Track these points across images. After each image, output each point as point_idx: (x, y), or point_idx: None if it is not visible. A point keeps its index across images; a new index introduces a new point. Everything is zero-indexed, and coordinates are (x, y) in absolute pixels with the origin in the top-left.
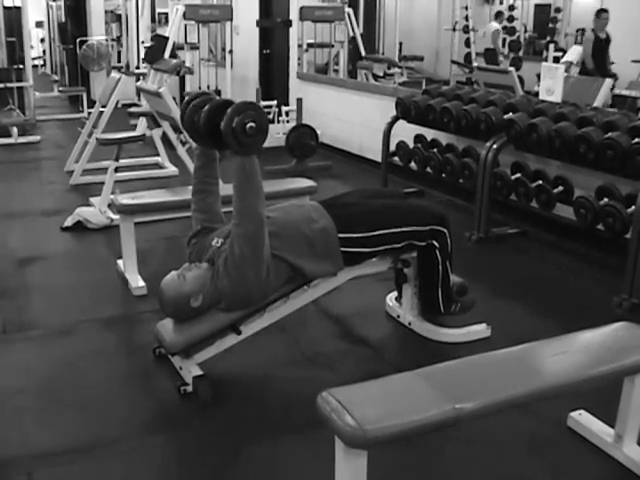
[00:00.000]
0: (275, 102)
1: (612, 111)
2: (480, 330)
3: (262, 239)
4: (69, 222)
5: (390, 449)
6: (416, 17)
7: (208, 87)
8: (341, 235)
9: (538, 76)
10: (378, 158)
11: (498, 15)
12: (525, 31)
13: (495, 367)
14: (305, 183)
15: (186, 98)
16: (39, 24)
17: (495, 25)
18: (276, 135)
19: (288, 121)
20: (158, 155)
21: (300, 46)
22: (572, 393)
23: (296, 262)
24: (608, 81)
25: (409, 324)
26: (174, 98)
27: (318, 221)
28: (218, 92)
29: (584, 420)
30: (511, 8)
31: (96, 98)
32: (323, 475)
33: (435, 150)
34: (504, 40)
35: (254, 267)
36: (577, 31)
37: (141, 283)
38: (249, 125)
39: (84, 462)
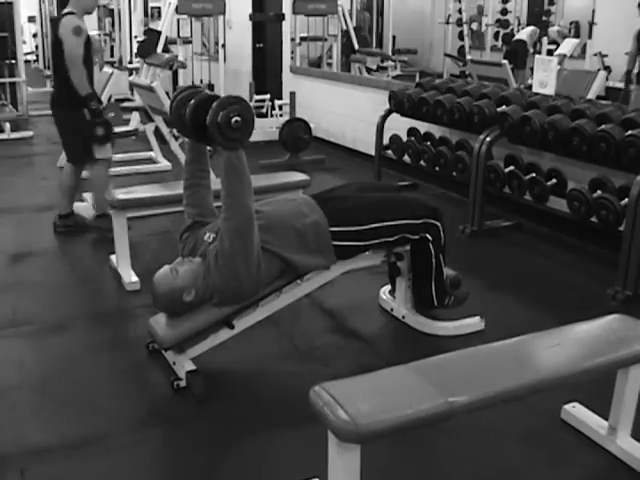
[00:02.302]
0: (268, 96)
1: (605, 103)
2: (474, 323)
3: (252, 232)
4: None
5: (383, 443)
6: (409, 10)
7: (201, 81)
8: (334, 229)
9: (531, 69)
10: (371, 151)
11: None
12: (519, 24)
13: (489, 360)
14: (298, 177)
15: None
16: (31, 19)
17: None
18: (269, 129)
19: (281, 115)
20: (151, 150)
21: (293, 40)
22: (566, 385)
23: (287, 256)
24: (602, 73)
25: (403, 317)
26: (167, 92)
27: (310, 215)
28: (211, 86)
29: (578, 412)
30: (504, 1)
31: None
32: (317, 470)
33: (428, 143)
34: (497, 33)
35: (245, 261)
36: (570, 24)
37: (134, 278)
38: (234, 119)
39: (77, 458)
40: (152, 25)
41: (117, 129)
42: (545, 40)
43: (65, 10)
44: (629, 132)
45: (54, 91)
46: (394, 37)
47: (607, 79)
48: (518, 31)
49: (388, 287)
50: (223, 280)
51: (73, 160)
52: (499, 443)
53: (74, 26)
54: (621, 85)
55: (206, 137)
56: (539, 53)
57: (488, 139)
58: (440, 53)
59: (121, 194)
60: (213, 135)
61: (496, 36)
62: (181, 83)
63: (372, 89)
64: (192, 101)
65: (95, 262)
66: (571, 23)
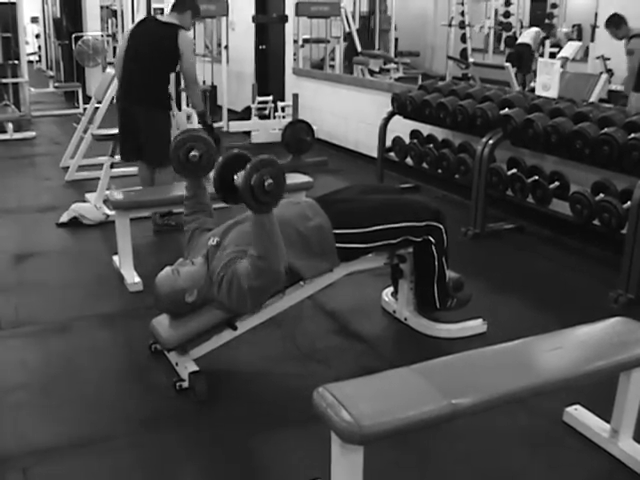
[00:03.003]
0: (271, 98)
1: (608, 107)
2: (476, 325)
3: (275, 288)
4: (65, 218)
5: (385, 444)
6: (412, 13)
7: (204, 82)
8: (337, 231)
9: (534, 72)
10: (374, 154)
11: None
12: (521, 27)
13: (491, 362)
14: (301, 179)
15: (177, 134)
16: (34, 20)
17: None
18: (272, 131)
19: (284, 117)
20: None
21: (296, 42)
22: (568, 388)
23: (292, 264)
24: (604, 77)
25: (405, 319)
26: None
27: (313, 219)
28: (214, 88)
29: (580, 415)
30: (507, 4)
31: (92, 94)
32: (319, 471)
33: (431, 145)
34: (499, 36)
35: (258, 299)
36: (573, 27)
37: (137, 279)
38: (267, 182)
39: (80, 458)
40: None
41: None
42: (548, 43)
43: (170, 20)
44: (632, 135)
45: (138, 90)
46: (396, 39)
47: (609, 82)
48: (520, 34)
49: (391, 289)
50: (230, 302)
51: (152, 161)
52: (501, 445)
53: (192, 44)
54: (622, 88)
55: (235, 197)
56: (542, 56)
57: (491, 142)
58: (443, 55)
59: (124, 195)
60: (246, 199)
61: (499, 39)
62: (183, 84)
63: (375, 91)
64: (220, 159)
65: (98, 263)
66: (574, 26)
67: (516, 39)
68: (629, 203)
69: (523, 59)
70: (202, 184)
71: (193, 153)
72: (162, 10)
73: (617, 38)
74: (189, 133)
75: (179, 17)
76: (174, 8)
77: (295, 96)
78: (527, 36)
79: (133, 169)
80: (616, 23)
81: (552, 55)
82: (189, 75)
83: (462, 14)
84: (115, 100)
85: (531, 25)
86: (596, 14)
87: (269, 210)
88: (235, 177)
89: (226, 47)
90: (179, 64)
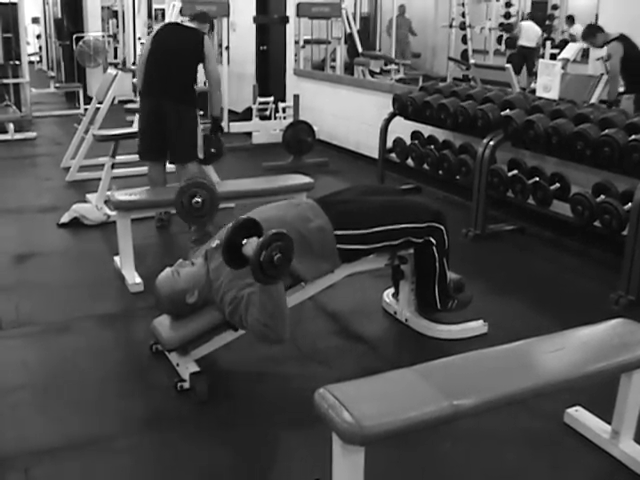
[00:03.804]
0: (272, 98)
1: (609, 108)
2: (477, 327)
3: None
4: (66, 218)
5: (386, 445)
6: (413, 14)
7: (205, 84)
8: (338, 232)
9: (535, 73)
10: (375, 155)
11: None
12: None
13: (492, 363)
14: (302, 180)
15: (181, 184)
16: (35, 20)
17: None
18: (273, 132)
19: (285, 117)
20: None
21: (297, 42)
22: (569, 389)
23: (294, 267)
24: (605, 78)
25: (406, 320)
26: None
27: (314, 220)
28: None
29: (581, 416)
30: (508, 5)
31: (92, 94)
32: (320, 472)
33: (432, 147)
34: (500, 37)
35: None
36: (563, 32)
37: (138, 280)
38: (277, 257)
39: (81, 458)
40: (156, 27)
41: (121, 131)
42: (549, 44)
43: (191, 24)
44: (633, 137)
45: (168, 85)
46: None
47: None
48: (519, 37)
49: (391, 290)
50: (231, 319)
51: (180, 156)
52: (502, 446)
53: (214, 49)
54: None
55: (242, 263)
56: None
57: (492, 143)
58: (443, 57)
59: (125, 196)
60: (255, 274)
61: (499, 40)
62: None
63: (376, 92)
64: (229, 225)
65: (99, 263)
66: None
67: (517, 39)
68: (630, 205)
69: (528, 61)
70: (207, 231)
71: (196, 199)
72: (163, 11)
73: (597, 46)
74: (193, 180)
75: (200, 26)
76: (196, 18)
77: (296, 97)
78: (530, 38)
79: (134, 169)
80: (592, 33)
81: (553, 56)
82: (214, 77)
83: (463, 15)
84: (140, 98)
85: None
86: (596, 15)
87: (276, 282)
88: (243, 242)
89: (227, 48)
90: (204, 66)
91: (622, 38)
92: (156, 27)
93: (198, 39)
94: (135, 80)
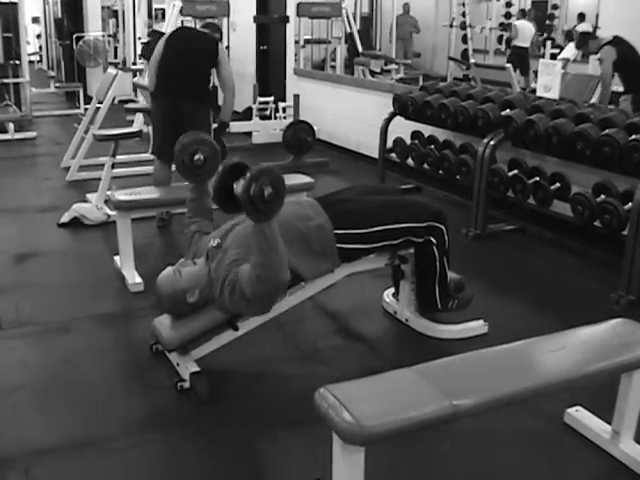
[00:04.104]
0: (272, 98)
1: (609, 108)
2: (477, 327)
3: (280, 294)
4: (66, 218)
5: (386, 445)
6: (413, 13)
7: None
8: (338, 232)
9: (535, 73)
10: (375, 154)
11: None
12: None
13: (492, 363)
14: (302, 179)
15: (180, 140)
16: (35, 20)
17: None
18: (273, 131)
19: (285, 117)
20: None
21: (297, 42)
22: (569, 389)
23: (292, 263)
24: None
25: (406, 320)
26: None
27: (314, 218)
28: (214, 89)
29: (581, 416)
30: (508, 5)
31: (93, 94)
32: (321, 471)
33: (432, 146)
34: (500, 37)
35: (261, 305)
36: (574, 27)
37: (138, 279)
38: (267, 192)
39: (81, 458)
40: (156, 27)
41: (121, 130)
42: (549, 44)
43: (205, 30)
44: (633, 137)
45: (184, 84)
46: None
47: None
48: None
49: (392, 290)
50: (233, 307)
51: None
52: (502, 446)
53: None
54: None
55: (234, 205)
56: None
57: (492, 143)
58: (444, 56)
59: (125, 196)
60: (246, 209)
61: (500, 40)
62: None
63: (376, 92)
64: (219, 168)
65: (99, 263)
66: (574, 27)
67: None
68: (630, 204)
69: (524, 61)
70: (206, 188)
71: (197, 156)
72: (163, 11)
73: (592, 53)
74: (194, 136)
75: (213, 33)
76: (207, 27)
77: (296, 97)
78: (526, 38)
79: (134, 169)
80: (584, 42)
81: (553, 56)
82: (229, 84)
83: (463, 15)
84: (153, 98)
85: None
86: (597, 15)
87: (269, 219)
88: (235, 186)
89: (227, 47)
90: (217, 72)
91: (615, 41)
92: (168, 29)
93: (213, 45)
94: (135, 80)
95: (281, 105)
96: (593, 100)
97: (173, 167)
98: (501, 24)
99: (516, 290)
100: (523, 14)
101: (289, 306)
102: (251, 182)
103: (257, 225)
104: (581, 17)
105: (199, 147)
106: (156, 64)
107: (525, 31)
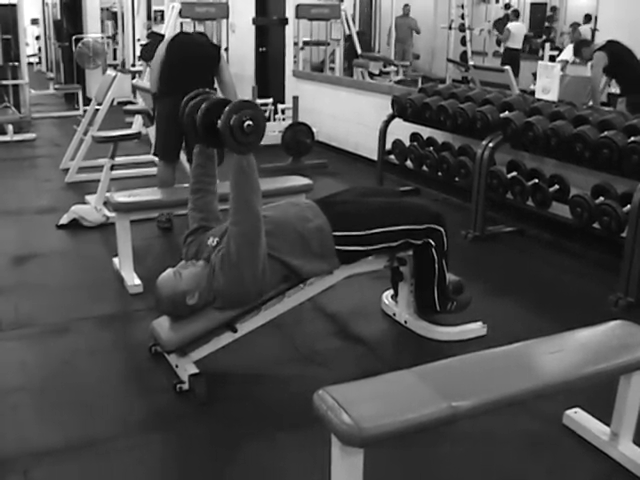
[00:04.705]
0: (271, 100)
1: (608, 110)
2: (476, 328)
3: (259, 238)
4: (65, 220)
5: (385, 447)
6: (412, 15)
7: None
8: (337, 233)
9: (534, 75)
10: (374, 156)
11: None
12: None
13: (491, 365)
14: (301, 181)
15: (185, 97)
16: (34, 21)
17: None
18: (272, 133)
19: (284, 119)
20: None
21: (296, 44)
22: (568, 391)
23: (291, 262)
24: (603, 80)
25: (405, 322)
26: None
27: (313, 220)
28: (214, 89)
29: (580, 418)
30: (507, 7)
31: (92, 96)
32: (319, 473)
33: (431, 148)
34: (499, 39)
35: (251, 266)
36: (571, 26)
37: (137, 281)
38: (247, 123)
39: (80, 460)
40: (155, 28)
41: (120, 132)
42: (548, 46)
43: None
44: (632, 139)
45: (190, 84)
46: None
47: (609, 85)
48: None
49: (390, 292)
50: (227, 284)
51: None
52: (500, 448)
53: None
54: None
55: (217, 140)
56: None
57: (491, 145)
58: (442, 58)
59: (124, 197)
60: (225, 138)
61: (498, 42)
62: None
63: (375, 94)
64: (203, 104)
65: (98, 265)
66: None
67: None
68: (629, 206)
69: (515, 63)
70: (212, 154)
71: (249, 123)
72: (162, 13)
73: (587, 60)
74: (243, 101)
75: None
76: (150, 37)
77: (295, 98)
78: (519, 40)
79: (133, 171)
80: (578, 50)
81: (552, 58)
82: (231, 90)
83: (462, 17)
84: (157, 100)
85: (530, 28)
86: (595, 17)
87: (249, 151)
88: (218, 122)
89: (226, 49)
90: (218, 78)
91: (608, 46)
92: (167, 31)
93: (217, 50)
94: (135, 81)
95: (280, 107)
96: (592, 102)
97: (186, 165)
98: (495, 23)
99: (515, 292)
100: (516, 15)
101: (288, 307)
102: (231, 113)
103: (236, 157)
104: (587, 18)
105: (252, 113)
106: (159, 68)
107: (518, 33)
